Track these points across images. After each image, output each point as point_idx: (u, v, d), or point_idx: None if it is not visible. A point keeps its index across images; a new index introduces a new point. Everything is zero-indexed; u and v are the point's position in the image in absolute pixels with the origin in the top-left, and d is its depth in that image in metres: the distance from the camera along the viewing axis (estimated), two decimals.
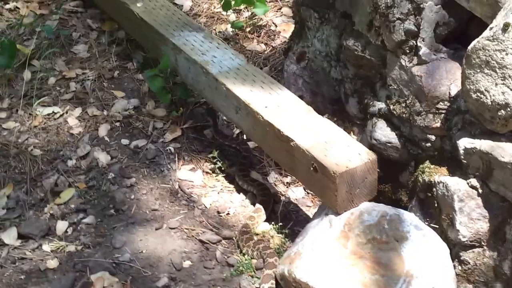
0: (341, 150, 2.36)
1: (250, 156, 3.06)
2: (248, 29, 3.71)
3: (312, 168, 2.37)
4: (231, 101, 2.77)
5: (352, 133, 2.73)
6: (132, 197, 2.88)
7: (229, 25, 3.76)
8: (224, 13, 3.84)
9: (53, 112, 3.34)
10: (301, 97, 2.89)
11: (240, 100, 2.71)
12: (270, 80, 2.82)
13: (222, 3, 3.69)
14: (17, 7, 4.02)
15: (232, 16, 3.83)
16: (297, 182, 2.89)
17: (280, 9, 3.82)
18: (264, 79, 2.83)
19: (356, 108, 2.74)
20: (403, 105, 2.41)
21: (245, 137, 3.11)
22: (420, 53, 2.34)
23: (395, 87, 2.45)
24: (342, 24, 2.75)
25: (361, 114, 2.72)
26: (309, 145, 2.40)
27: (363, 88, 2.69)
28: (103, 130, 3.22)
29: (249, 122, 2.69)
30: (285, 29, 3.66)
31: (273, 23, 3.74)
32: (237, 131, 3.18)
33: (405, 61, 2.39)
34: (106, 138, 3.18)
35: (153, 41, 3.31)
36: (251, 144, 3.10)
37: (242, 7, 3.76)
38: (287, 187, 2.93)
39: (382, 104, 2.54)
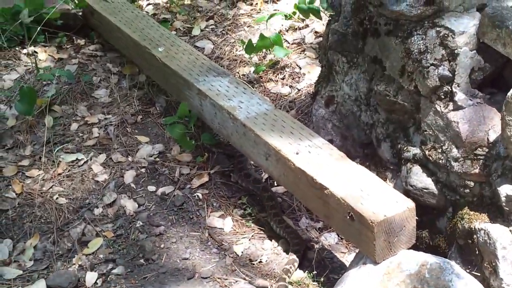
0: (378, 198, 2.41)
1: (279, 201, 3.11)
2: (271, 72, 3.78)
3: (348, 217, 2.41)
4: (260, 147, 2.83)
5: (385, 179, 2.78)
6: (162, 246, 2.93)
7: (252, 68, 3.83)
8: (246, 55, 3.93)
9: (76, 159, 3.41)
10: (330, 141, 2.96)
11: (270, 146, 2.77)
12: (299, 125, 2.88)
13: (244, 47, 3.77)
14: (35, 52, 4.11)
15: (255, 58, 3.91)
16: (330, 228, 2.93)
17: (304, 51, 3.90)
18: (294, 124, 2.89)
19: (389, 153, 2.79)
20: (439, 150, 2.47)
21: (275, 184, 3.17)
22: (456, 98, 2.40)
23: (430, 132, 2.50)
24: (372, 69, 2.82)
25: (394, 159, 2.77)
26: (344, 193, 2.44)
27: (396, 132, 2.75)
28: (129, 177, 3.28)
29: (280, 169, 2.75)
30: (310, 71, 3.73)
31: (297, 65, 3.81)
32: (265, 175, 3.24)
33: (440, 106, 2.44)
34: (132, 185, 3.24)
35: (176, 86, 3.39)
36: (280, 189, 3.16)
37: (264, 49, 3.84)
38: (319, 232, 2.97)
39: (416, 150, 2.59)
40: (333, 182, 2.51)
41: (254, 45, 3.78)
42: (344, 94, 3.01)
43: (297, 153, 2.68)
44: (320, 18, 3.96)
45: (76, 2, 4.11)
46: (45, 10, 4.07)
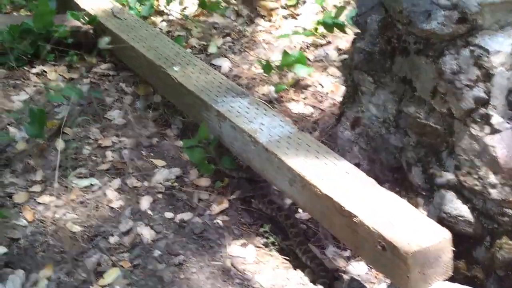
0: (411, 227, 2.36)
1: (304, 228, 3.07)
2: (293, 91, 3.75)
3: (379, 247, 2.37)
4: (284, 172, 2.79)
5: (417, 205, 2.73)
6: (182, 276, 2.88)
7: (272, 87, 3.80)
8: (266, 74, 3.90)
9: (90, 184, 3.37)
10: (357, 165, 2.91)
11: (295, 172, 2.73)
12: (325, 149, 2.84)
13: (262, 66, 3.75)
14: (44, 71, 4.09)
15: (275, 77, 3.88)
16: (358, 256, 2.88)
17: (326, 69, 3.87)
18: (319, 148, 2.85)
19: (421, 178, 2.75)
20: (475, 176, 2.42)
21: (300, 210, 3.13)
22: (492, 121, 2.36)
23: (465, 157, 2.46)
24: (401, 89, 2.78)
25: (426, 185, 2.72)
26: (375, 221, 2.40)
27: (428, 156, 2.70)
28: (145, 203, 3.24)
29: (306, 195, 2.71)
30: (333, 90, 3.70)
31: (319, 83, 3.78)
32: (289, 201, 3.19)
33: (475, 130, 2.40)
34: (149, 212, 3.20)
35: (193, 107, 3.36)
36: (304, 215, 3.11)
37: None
38: (347, 261, 2.92)
39: (450, 175, 2.55)
40: (363, 210, 2.47)
41: (276, 63, 3.74)
42: (371, 116, 2.97)
43: (323, 179, 2.64)
44: (345, 33, 3.92)
45: (87, 19, 4.08)
46: (55, 28, 4.04)
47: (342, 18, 3.99)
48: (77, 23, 4.12)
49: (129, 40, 3.83)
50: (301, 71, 3.68)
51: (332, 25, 3.92)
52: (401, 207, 2.49)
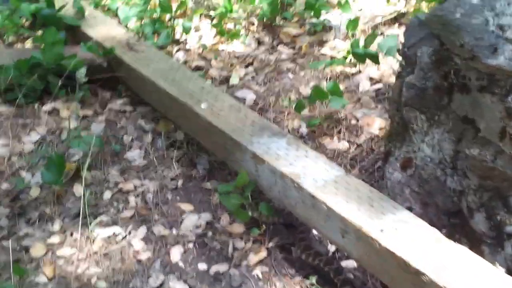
0: (489, 286, 2.21)
1: (351, 277, 2.91)
2: (325, 124, 3.58)
3: None
4: (335, 222, 2.64)
5: (482, 254, 2.57)
6: None
7: (303, 121, 3.63)
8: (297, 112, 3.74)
9: (113, 233, 3.20)
10: (409, 208, 2.76)
11: (347, 221, 2.58)
12: (378, 195, 2.69)
13: (294, 106, 3.58)
14: (55, 108, 3.91)
15: (305, 109, 3.72)
16: None
17: (359, 100, 3.71)
18: (371, 194, 2.70)
19: (485, 224, 2.59)
20: None
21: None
22: None
23: None
24: (460, 128, 2.63)
25: (492, 232, 2.57)
26: (447, 280, 2.25)
27: (493, 201, 2.55)
28: (175, 254, 3.08)
29: (361, 248, 2.55)
30: (369, 123, 3.54)
31: (353, 116, 3.62)
32: (333, 247, 3.03)
33: None
34: (181, 264, 3.03)
35: (225, 148, 3.20)
36: (350, 263, 2.95)
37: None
38: None
39: None
40: (431, 266, 2.32)
41: (306, 98, 3.59)
42: (424, 156, 2.81)
43: (382, 231, 2.48)
44: (378, 63, 3.76)
45: (102, 51, 3.90)
46: (66, 61, 3.87)
47: (373, 45, 3.83)
48: (90, 55, 3.92)
49: (148, 74, 3.66)
50: (335, 103, 3.50)
51: (363, 56, 3.74)
52: (473, 262, 2.34)
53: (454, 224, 2.76)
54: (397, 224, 2.52)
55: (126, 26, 4.44)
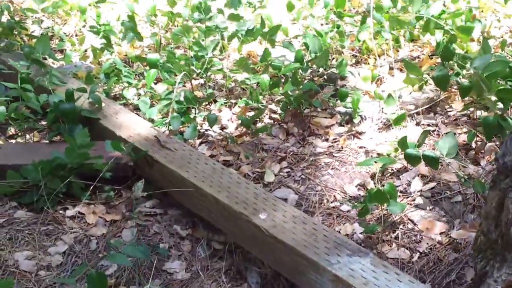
0: None
1: None
2: (380, 230, 3.33)
3: None
4: None
5: None
6: None
7: (356, 225, 3.38)
8: (344, 208, 3.49)
9: None
10: None
11: None
12: None
13: (358, 211, 3.31)
14: (80, 213, 3.55)
15: (353, 210, 3.47)
16: None
17: (414, 200, 3.48)
18: None
19: None
20: None
21: None
22: None
23: None
24: None
25: None
26: None
27: None
28: None
29: None
30: (428, 227, 3.31)
31: (409, 219, 3.39)
32: None
33: None
34: None
35: (294, 267, 2.92)
36: None
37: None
38: None
39: None
40: None
41: (353, 198, 3.35)
42: None
43: None
44: (437, 169, 3.50)
45: (129, 150, 3.57)
46: (91, 161, 3.54)
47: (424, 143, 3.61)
48: (116, 153, 3.59)
49: (190, 178, 3.35)
50: (394, 208, 3.24)
51: (417, 158, 3.44)
52: None
53: None
54: None
55: (150, 120, 4.12)
